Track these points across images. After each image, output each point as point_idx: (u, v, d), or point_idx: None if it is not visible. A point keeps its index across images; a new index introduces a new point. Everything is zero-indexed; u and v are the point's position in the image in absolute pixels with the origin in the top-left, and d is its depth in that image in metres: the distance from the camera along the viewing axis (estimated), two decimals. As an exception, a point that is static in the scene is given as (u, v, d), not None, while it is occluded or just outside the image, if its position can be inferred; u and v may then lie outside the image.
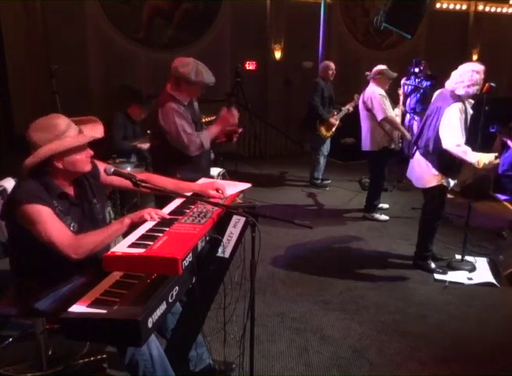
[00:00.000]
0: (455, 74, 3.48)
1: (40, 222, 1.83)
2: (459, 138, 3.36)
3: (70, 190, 2.07)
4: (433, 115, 3.54)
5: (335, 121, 6.07)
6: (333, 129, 6.13)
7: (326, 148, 6.33)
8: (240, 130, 3.18)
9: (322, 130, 6.05)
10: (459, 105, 3.39)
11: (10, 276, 2.12)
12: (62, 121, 1.95)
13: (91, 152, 2.04)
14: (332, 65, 6.10)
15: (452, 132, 3.37)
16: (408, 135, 5.04)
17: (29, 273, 2.03)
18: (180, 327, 2.16)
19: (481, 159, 3.35)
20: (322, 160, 6.39)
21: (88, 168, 2.05)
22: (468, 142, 3.63)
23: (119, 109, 4.59)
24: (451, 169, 3.55)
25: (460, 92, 3.43)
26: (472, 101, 3.52)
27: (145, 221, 1.91)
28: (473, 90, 3.41)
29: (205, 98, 3.17)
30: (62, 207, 1.98)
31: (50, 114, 1.99)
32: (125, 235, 1.85)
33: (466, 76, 3.40)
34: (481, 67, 3.45)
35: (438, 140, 3.46)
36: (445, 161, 3.49)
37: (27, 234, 1.87)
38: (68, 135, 1.94)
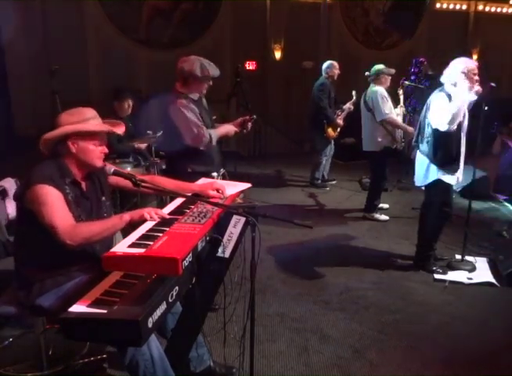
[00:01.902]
0: None
1: (46, 203, 1.86)
2: (448, 115, 3.36)
3: (83, 183, 2.11)
4: (425, 110, 3.60)
5: (340, 121, 6.09)
6: (338, 130, 6.15)
7: (329, 149, 6.36)
8: (254, 116, 3.27)
9: (330, 131, 6.08)
10: (440, 94, 3.45)
11: (11, 274, 2.12)
12: (90, 111, 2.09)
13: (106, 149, 2.10)
14: (337, 65, 6.11)
15: (440, 114, 3.39)
16: (410, 129, 5.00)
17: (32, 264, 2.03)
18: (180, 327, 2.16)
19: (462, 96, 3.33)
20: (325, 161, 6.41)
21: (99, 163, 2.09)
22: (468, 142, 3.64)
23: (108, 111, 4.68)
24: (446, 160, 3.51)
25: (443, 79, 3.50)
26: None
27: (145, 220, 1.91)
28: (455, 77, 3.42)
29: (205, 98, 3.24)
30: (73, 194, 2.02)
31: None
32: (126, 234, 1.85)
33: (451, 66, 3.49)
34: (469, 59, 3.49)
35: (431, 132, 3.49)
36: (440, 153, 3.49)
37: (31, 220, 1.89)
38: (92, 123, 2.05)
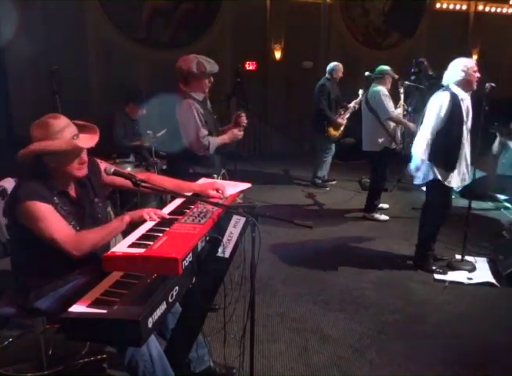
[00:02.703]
0: None
1: (41, 219, 1.84)
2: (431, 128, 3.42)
3: (72, 189, 2.08)
4: (425, 109, 3.62)
5: (342, 120, 6.10)
6: (342, 128, 6.15)
7: (331, 148, 6.36)
8: (243, 114, 3.24)
9: (331, 131, 6.11)
10: (443, 93, 3.46)
11: (11, 274, 2.12)
12: (59, 122, 1.95)
13: (84, 158, 2.01)
14: (342, 68, 6.14)
15: (430, 120, 3.43)
16: (412, 125, 5.01)
17: (29, 271, 2.03)
18: (180, 327, 2.16)
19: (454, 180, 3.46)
20: (329, 160, 6.41)
21: (80, 173, 2.02)
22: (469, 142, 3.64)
23: (118, 109, 4.68)
24: (443, 159, 3.52)
25: (445, 81, 3.52)
26: (465, 93, 3.50)
27: (144, 221, 1.91)
28: (456, 76, 3.44)
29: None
30: (63, 205, 1.98)
31: (53, 113, 2.01)
32: (125, 235, 1.85)
33: (450, 67, 3.52)
34: (466, 58, 3.52)
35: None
36: (436, 151, 3.49)
37: (27, 232, 1.88)
38: (61, 136, 1.92)
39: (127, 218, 1.90)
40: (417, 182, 3.76)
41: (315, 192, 6.26)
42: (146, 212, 1.92)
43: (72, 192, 2.07)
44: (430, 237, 3.81)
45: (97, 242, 1.87)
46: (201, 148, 2.99)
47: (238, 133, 3.20)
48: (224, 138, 3.14)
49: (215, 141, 3.05)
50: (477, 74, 3.45)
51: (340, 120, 6.08)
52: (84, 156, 2.01)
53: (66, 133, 1.95)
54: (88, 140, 2.03)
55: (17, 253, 2.09)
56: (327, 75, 6.16)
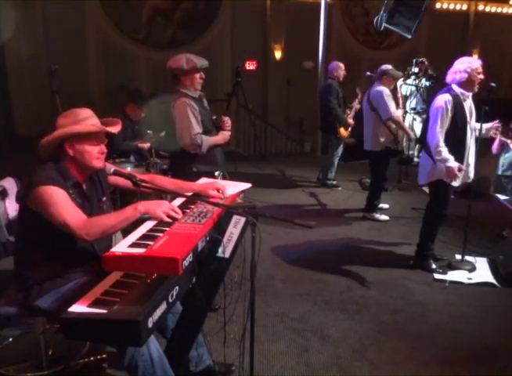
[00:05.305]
0: None
1: (53, 203, 1.85)
2: (437, 132, 3.41)
3: (84, 185, 2.10)
4: (429, 111, 3.62)
5: (351, 120, 6.10)
6: (349, 129, 6.16)
7: (340, 149, 6.36)
8: (227, 118, 3.28)
9: (342, 131, 6.08)
10: (445, 96, 3.44)
11: (11, 274, 2.12)
12: (84, 111, 2.05)
13: (103, 148, 2.07)
14: (342, 65, 6.11)
15: (433, 124, 3.43)
16: (411, 133, 5.05)
17: (32, 266, 2.03)
18: (180, 326, 2.16)
19: (452, 164, 3.41)
20: (336, 162, 6.41)
21: (98, 164, 2.06)
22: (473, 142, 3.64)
23: (118, 110, 4.66)
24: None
25: (448, 79, 3.51)
26: (467, 93, 3.49)
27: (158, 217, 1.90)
28: (460, 77, 3.42)
29: (207, 98, 3.25)
30: (76, 196, 2.01)
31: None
32: (125, 234, 1.85)
33: (455, 65, 3.49)
34: (473, 59, 3.50)
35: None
36: None
37: (35, 222, 1.89)
38: (86, 123, 2.00)
39: (141, 208, 1.87)
40: (422, 182, 3.75)
41: (315, 192, 6.26)
42: (164, 212, 1.89)
43: (84, 187, 2.10)
44: (428, 237, 3.81)
45: (107, 229, 1.86)
46: (193, 146, 3.00)
47: (227, 134, 3.23)
48: (217, 139, 3.16)
49: (208, 140, 3.06)
50: (481, 76, 3.42)
51: (350, 120, 6.07)
52: (103, 147, 2.07)
53: (91, 121, 2.03)
54: (112, 127, 2.13)
55: (21, 247, 2.09)
56: (330, 75, 6.14)
